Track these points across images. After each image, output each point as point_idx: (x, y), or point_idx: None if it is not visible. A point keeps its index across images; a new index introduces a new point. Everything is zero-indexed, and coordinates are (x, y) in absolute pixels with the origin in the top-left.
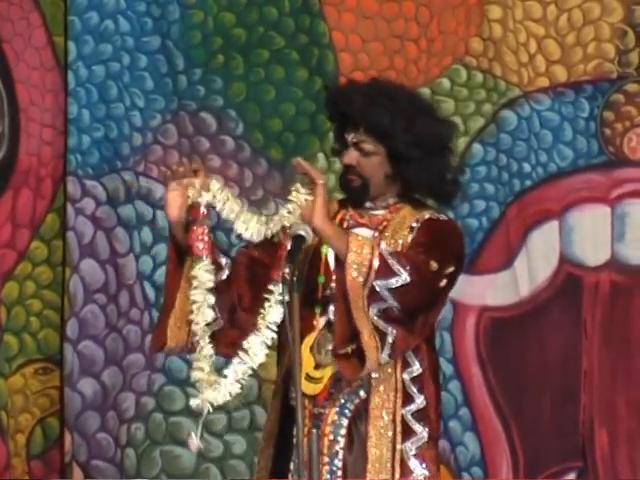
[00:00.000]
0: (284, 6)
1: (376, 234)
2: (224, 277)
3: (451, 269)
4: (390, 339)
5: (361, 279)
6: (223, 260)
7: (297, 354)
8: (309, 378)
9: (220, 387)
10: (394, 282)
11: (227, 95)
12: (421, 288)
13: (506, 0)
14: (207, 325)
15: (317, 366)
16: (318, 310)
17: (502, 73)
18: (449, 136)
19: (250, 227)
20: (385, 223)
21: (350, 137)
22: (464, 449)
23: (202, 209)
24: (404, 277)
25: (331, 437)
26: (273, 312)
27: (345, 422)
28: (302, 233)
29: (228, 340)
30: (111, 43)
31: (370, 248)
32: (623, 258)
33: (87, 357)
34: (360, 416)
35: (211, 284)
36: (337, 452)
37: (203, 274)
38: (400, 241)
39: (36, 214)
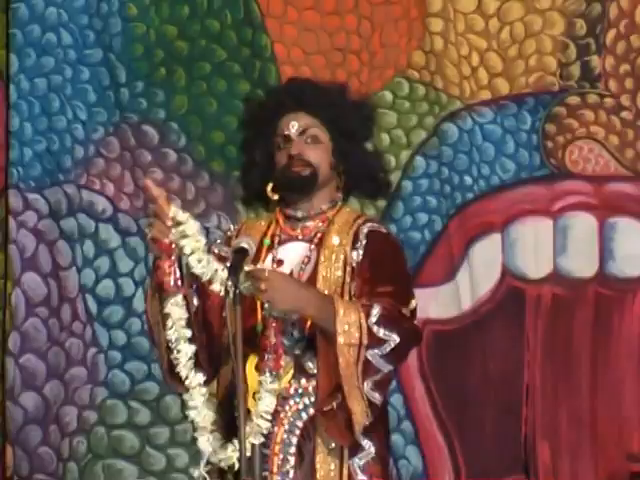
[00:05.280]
0: (226, 19)
1: (312, 247)
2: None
3: (414, 303)
4: (378, 404)
5: (352, 359)
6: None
7: (240, 370)
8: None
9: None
10: (387, 348)
11: (169, 108)
12: (408, 340)
13: (448, 13)
14: (189, 360)
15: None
16: (260, 328)
17: (444, 86)
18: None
19: (202, 265)
20: (319, 235)
21: (294, 128)
22: (406, 462)
23: (166, 240)
24: (394, 339)
25: (281, 456)
26: (265, 401)
27: (294, 440)
28: (244, 246)
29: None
30: (53, 56)
31: (358, 325)
32: (565, 271)
33: (29, 371)
34: (308, 433)
35: (184, 319)
36: (288, 471)
37: (175, 310)
38: (342, 256)
39: None
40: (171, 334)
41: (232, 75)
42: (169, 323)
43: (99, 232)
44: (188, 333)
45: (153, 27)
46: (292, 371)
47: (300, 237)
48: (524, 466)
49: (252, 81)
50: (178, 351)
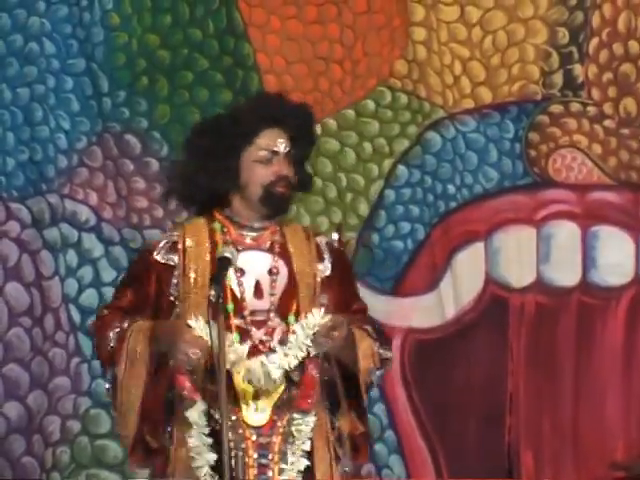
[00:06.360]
0: (208, 28)
1: (275, 257)
2: None
3: None
4: None
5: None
6: None
7: (223, 377)
8: (248, 408)
9: None
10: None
11: (151, 117)
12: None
13: (430, 22)
14: (210, 467)
15: (257, 395)
16: (237, 339)
17: (426, 95)
18: None
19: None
20: (278, 246)
21: (282, 146)
22: (390, 472)
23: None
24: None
25: (281, 465)
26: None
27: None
28: (227, 255)
29: None
30: (36, 65)
31: (371, 351)
32: (548, 279)
33: (12, 380)
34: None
35: (204, 425)
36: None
37: (199, 417)
38: (307, 270)
39: None
40: (194, 440)
41: (214, 84)
42: (193, 430)
43: (82, 242)
44: (209, 441)
45: (135, 36)
46: (284, 384)
47: (256, 247)
48: (508, 474)
49: (234, 90)
50: (199, 457)
